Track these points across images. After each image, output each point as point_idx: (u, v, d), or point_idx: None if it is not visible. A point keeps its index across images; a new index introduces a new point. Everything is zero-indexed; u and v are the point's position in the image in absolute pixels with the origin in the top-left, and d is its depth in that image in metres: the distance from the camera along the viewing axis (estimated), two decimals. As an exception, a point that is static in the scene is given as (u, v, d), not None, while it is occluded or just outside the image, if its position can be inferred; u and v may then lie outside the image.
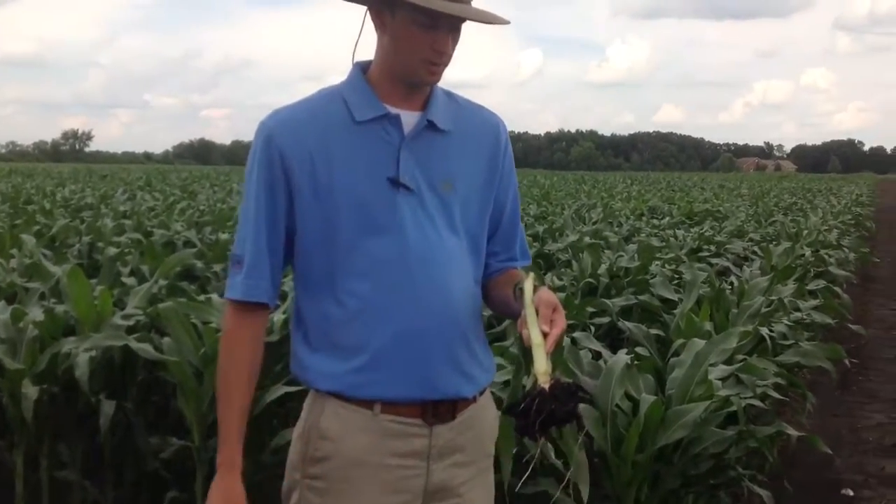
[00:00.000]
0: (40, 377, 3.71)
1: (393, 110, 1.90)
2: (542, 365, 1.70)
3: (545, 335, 1.73)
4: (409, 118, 1.92)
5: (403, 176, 1.88)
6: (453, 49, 1.89)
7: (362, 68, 1.96)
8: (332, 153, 1.86)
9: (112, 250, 5.58)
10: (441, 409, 1.91)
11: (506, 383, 3.10)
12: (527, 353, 1.78)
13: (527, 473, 1.79)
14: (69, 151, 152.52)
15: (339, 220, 1.87)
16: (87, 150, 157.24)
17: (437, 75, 1.89)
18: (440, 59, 1.86)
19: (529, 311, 1.77)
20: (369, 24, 1.92)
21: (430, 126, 1.93)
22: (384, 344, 1.85)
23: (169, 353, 3.62)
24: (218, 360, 1.97)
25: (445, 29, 1.84)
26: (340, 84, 1.95)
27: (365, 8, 1.91)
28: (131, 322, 4.03)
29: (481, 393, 2.01)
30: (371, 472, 1.89)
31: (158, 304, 4.01)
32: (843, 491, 5.00)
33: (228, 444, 1.91)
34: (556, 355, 1.81)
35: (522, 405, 1.68)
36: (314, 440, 1.92)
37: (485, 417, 2.03)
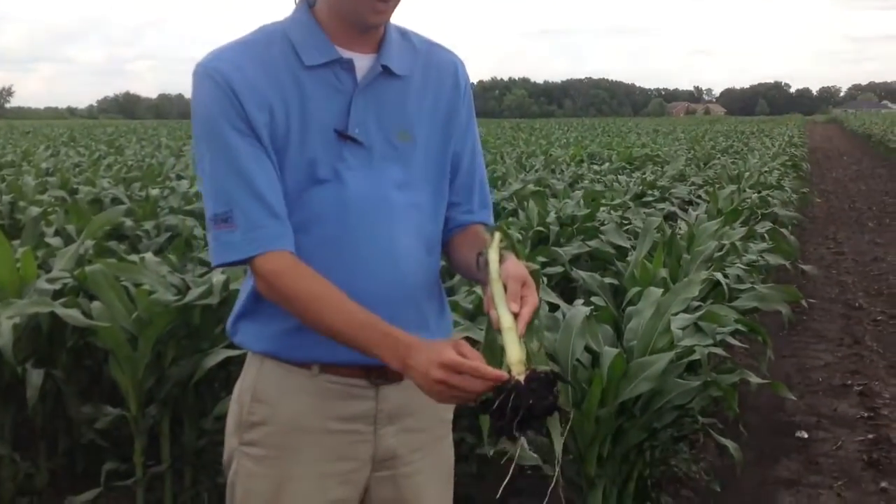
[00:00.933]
0: (-41, 348, 3.44)
1: (345, 54, 1.71)
2: (514, 353, 1.49)
3: (516, 316, 1.53)
4: (363, 63, 1.72)
5: (353, 128, 1.69)
6: None
7: (309, 3, 1.74)
8: (285, 99, 1.66)
9: (34, 210, 5.25)
10: (388, 370, 1.69)
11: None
12: (498, 338, 1.55)
13: (507, 479, 1.58)
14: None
15: (287, 173, 1.67)
16: (7, 105, 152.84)
17: (385, 14, 1.69)
18: None
19: (496, 289, 1.56)
20: None
21: (386, 71, 1.73)
22: None
23: (99, 319, 3.37)
24: (292, 304, 1.65)
25: None
26: (284, 21, 1.74)
27: None
28: (57, 286, 3.77)
29: None
30: (312, 438, 1.73)
31: (87, 265, 3.75)
32: (798, 433, 4.97)
33: (386, 336, 1.59)
34: (530, 335, 1.58)
35: (497, 402, 1.45)
36: (249, 403, 1.76)
37: None
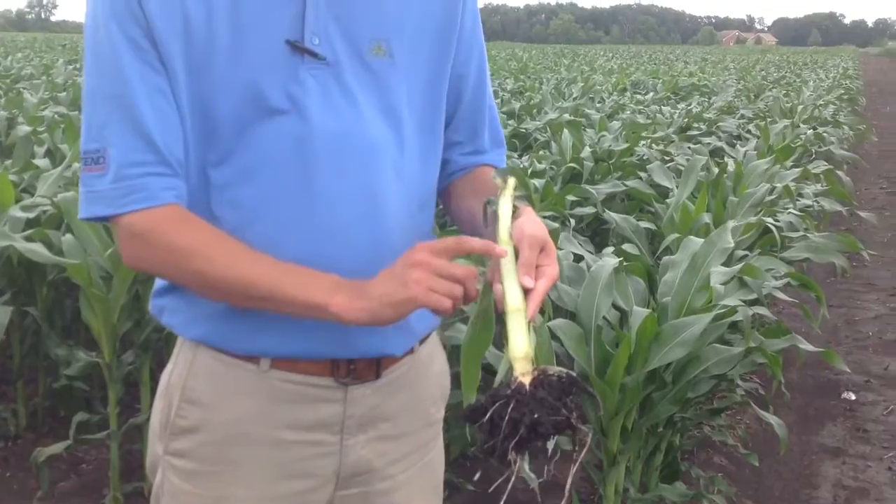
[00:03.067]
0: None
1: None
2: (520, 344, 1.09)
3: (527, 293, 1.13)
4: None
5: (311, 38, 1.25)
6: None
7: None
8: (212, 5, 1.23)
9: (24, 128, 4.86)
10: (359, 366, 1.33)
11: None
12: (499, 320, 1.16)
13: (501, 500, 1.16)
14: (35, 21, 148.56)
15: (219, 102, 1.24)
16: (53, 19, 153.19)
17: None
18: None
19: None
20: None
21: None
22: None
23: (69, 254, 3.02)
24: (186, 258, 1.24)
25: None
26: None
27: None
28: (33, 213, 3.42)
29: (421, 342, 1.42)
30: (257, 451, 1.33)
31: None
32: (844, 394, 4.56)
33: (318, 275, 1.23)
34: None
35: (490, 411, 1.05)
36: (178, 403, 1.35)
37: (426, 373, 1.44)
